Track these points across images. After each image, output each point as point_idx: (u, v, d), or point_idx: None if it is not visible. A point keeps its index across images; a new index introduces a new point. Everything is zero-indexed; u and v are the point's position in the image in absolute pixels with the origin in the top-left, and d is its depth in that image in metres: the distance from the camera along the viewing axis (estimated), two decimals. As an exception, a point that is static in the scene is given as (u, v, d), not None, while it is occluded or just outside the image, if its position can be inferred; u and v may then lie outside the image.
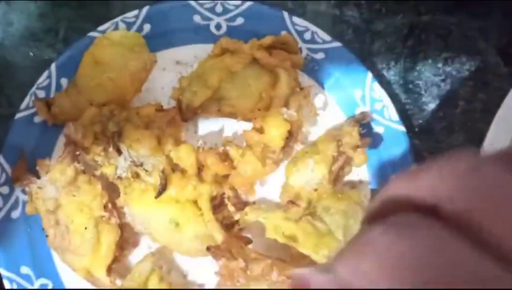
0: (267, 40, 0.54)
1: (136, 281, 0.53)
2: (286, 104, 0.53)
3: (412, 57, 0.64)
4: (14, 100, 0.61)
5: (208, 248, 0.52)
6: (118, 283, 0.55)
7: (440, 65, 0.64)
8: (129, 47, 0.52)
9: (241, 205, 0.55)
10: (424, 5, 0.66)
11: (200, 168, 0.53)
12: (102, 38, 0.53)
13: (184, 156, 0.52)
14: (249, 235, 0.55)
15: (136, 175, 0.52)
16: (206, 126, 0.59)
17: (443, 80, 0.64)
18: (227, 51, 0.53)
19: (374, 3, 0.66)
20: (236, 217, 0.55)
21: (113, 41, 0.52)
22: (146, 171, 0.52)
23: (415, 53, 0.64)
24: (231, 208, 0.55)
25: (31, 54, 0.64)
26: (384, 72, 0.64)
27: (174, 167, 0.53)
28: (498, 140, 0.46)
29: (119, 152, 0.52)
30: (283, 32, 0.59)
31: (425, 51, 0.65)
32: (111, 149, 0.51)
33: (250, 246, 0.54)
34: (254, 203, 0.57)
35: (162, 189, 0.51)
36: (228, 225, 0.54)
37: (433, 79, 0.64)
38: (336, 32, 0.64)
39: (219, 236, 0.52)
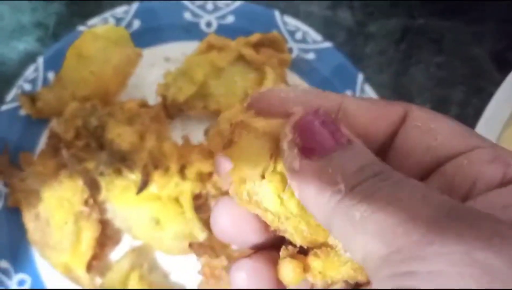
0: (255, 37, 0.53)
1: (114, 279, 0.52)
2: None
3: (405, 61, 0.64)
4: (1, 93, 0.60)
5: (190, 245, 0.51)
6: (98, 280, 0.54)
7: (432, 69, 0.63)
8: (113, 41, 0.52)
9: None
10: (418, 9, 0.65)
11: (183, 165, 0.53)
12: (87, 33, 0.53)
13: (167, 153, 0.52)
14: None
15: (118, 171, 0.51)
16: (192, 123, 0.58)
17: (435, 85, 0.63)
18: (213, 48, 0.53)
19: (367, 5, 0.65)
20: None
21: (97, 35, 0.52)
22: (128, 167, 0.51)
23: (408, 57, 0.64)
24: (214, 206, 0.54)
25: (21, 48, 0.63)
26: (376, 75, 0.63)
27: (157, 164, 0.52)
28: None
29: (101, 147, 0.51)
30: (274, 31, 0.58)
31: (417, 55, 0.64)
32: (93, 144, 0.51)
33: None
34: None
35: (143, 185, 0.50)
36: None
37: (425, 84, 0.63)
38: (328, 34, 0.63)
39: (201, 234, 0.52)
